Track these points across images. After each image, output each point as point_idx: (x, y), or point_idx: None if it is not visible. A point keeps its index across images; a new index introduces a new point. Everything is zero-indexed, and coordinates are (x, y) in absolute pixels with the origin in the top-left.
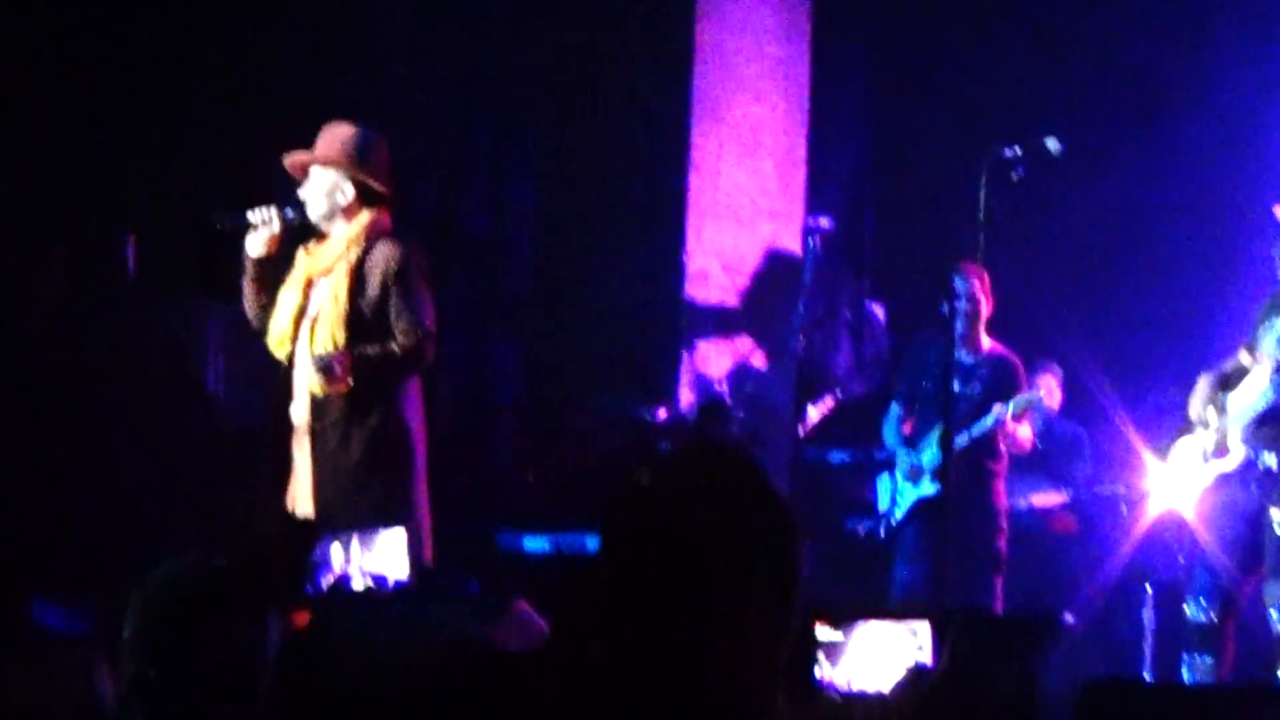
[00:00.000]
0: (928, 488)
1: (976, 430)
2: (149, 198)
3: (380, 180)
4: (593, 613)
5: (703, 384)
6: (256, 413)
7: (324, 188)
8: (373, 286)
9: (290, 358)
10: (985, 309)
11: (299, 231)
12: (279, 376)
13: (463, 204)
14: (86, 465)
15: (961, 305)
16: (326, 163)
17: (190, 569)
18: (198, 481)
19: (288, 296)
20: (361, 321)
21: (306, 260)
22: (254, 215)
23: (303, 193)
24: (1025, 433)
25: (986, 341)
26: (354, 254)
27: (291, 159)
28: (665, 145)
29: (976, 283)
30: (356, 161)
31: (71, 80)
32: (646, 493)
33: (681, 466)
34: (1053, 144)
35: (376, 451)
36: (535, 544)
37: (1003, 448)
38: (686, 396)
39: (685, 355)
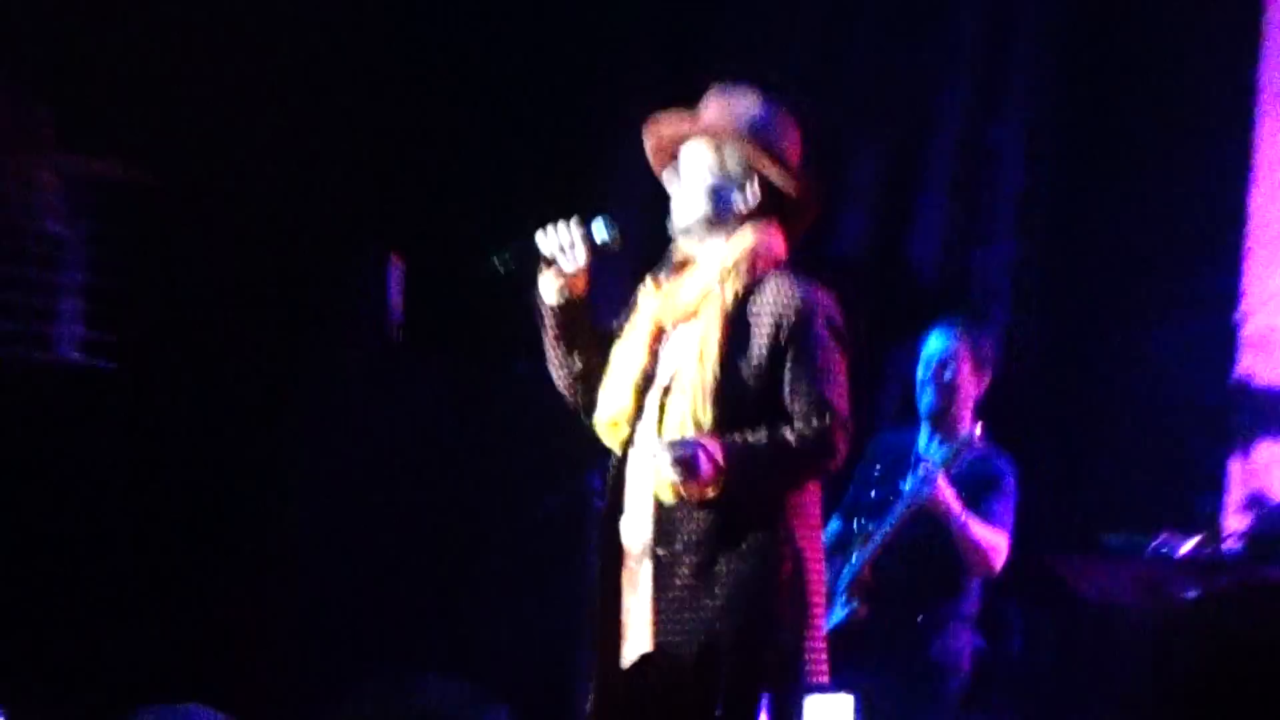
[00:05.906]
0: None
1: None
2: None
3: (791, 179)
4: None
5: (1261, 506)
6: (571, 528)
7: (711, 180)
8: (760, 343)
9: (627, 447)
10: None
11: (628, 255)
12: (609, 476)
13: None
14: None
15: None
16: (722, 136)
17: None
18: (492, 617)
19: (626, 354)
20: (740, 394)
21: (656, 298)
22: (546, 240)
23: (677, 186)
24: None
25: None
26: (732, 291)
27: (662, 128)
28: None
29: None
30: (764, 144)
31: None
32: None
33: (1225, 616)
34: None
35: (751, 594)
36: None
37: None
38: (1234, 524)
39: (1235, 463)
